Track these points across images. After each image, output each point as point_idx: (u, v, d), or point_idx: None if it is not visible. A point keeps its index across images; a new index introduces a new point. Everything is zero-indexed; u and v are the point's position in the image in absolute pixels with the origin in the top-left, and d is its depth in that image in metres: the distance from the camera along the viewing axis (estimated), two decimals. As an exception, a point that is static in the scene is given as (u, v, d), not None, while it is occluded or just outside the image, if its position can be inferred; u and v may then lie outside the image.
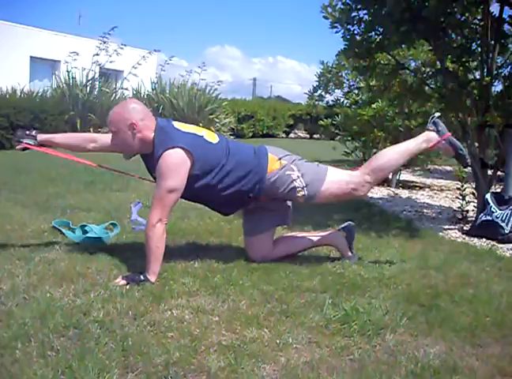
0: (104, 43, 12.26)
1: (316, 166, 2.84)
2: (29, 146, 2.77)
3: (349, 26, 4.32)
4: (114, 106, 2.70)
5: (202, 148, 2.59)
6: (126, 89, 13.05)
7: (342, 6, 4.27)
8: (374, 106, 6.38)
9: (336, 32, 4.42)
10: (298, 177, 2.70)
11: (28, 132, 2.79)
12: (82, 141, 2.91)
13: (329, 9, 4.39)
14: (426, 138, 2.81)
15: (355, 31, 4.33)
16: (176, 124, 2.68)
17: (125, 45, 13.21)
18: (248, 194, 2.70)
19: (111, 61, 12.37)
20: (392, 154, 2.81)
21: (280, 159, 2.73)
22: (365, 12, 4.22)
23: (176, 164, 2.48)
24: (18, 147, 2.78)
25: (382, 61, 4.72)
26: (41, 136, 2.79)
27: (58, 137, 2.89)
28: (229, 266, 2.70)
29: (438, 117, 2.83)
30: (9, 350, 1.71)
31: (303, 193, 2.71)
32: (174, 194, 2.49)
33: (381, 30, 4.25)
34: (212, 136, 2.72)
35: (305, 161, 2.83)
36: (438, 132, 2.80)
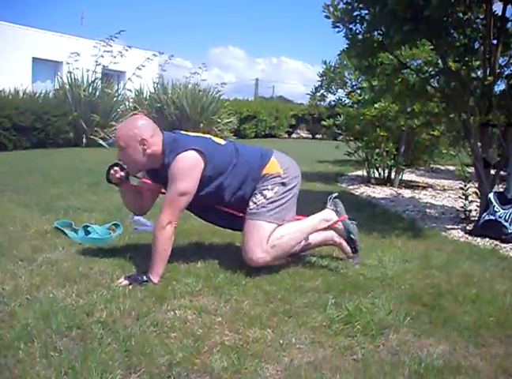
0: (110, 45, 12.25)
1: (284, 207, 2.71)
2: (142, 180, 2.77)
3: (351, 25, 4.32)
4: (122, 122, 2.73)
5: (213, 149, 2.63)
6: (130, 90, 13.07)
7: (344, 6, 4.26)
8: (376, 105, 6.37)
9: (339, 32, 4.41)
10: (265, 198, 2.67)
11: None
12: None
13: (331, 9, 4.38)
14: (325, 217, 2.82)
15: (358, 31, 4.33)
16: (183, 132, 2.75)
17: (130, 47, 13.21)
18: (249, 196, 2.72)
19: (115, 63, 12.38)
20: (293, 232, 2.72)
21: (281, 167, 2.73)
22: (367, 11, 4.21)
23: (189, 166, 2.50)
24: (121, 173, 2.66)
25: (384, 61, 4.71)
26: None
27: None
28: (232, 266, 2.69)
29: (336, 197, 2.86)
30: (12, 351, 1.71)
31: (250, 211, 2.67)
32: (185, 197, 2.50)
33: (383, 29, 4.25)
34: (219, 140, 2.78)
35: (291, 195, 2.75)
36: (336, 212, 2.83)
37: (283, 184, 2.72)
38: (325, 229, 2.85)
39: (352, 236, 2.81)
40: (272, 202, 2.67)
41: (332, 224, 2.82)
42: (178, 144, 2.55)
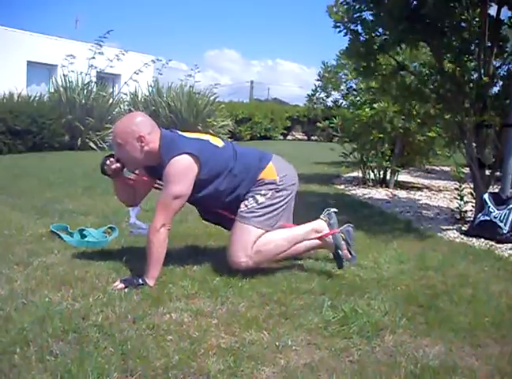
0: (100, 46, 12.24)
1: (275, 214, 2.69)
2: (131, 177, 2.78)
3: (352, 26, 4.33)
4: (120, 119, 2.71)
5: (209, 152, 2.60)
6: (125, 94, 13.04)
7: (345, 6, 4.29)
8: (375, 106, 6.37)
9: (339, 32, 4.43)
10: (256, 203, 2.65)
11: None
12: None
13: (334, 9, 4.41)
14: (316, 227, 2.78)
15: (359, 32, 4.35)
16: (180, 132, 2.73)
17: (126, 51, 13.20)
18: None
19: (111, 66, 12.37)
20: (280, 240, 2.69)
21: (277, 173, 2.71)
22: (368, 13, 4.24)
23: (183, 170, 2.48)
24: (117, 165, 2.63)
25: (382, 63, 4.71)
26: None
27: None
28: (228, 269, 2.68)
29: (335, 212, 2.80)
30: (7, 355, 1.70)
31: (240, 213, 2.66)
32: (179, 200, 2.49)
33: (380, 31, 4.27)
34: (217, 141, 2.75)
35: (285, 201, 2.73)
36: (329, 225, 2.78)
37: (277, 191, 2.69)
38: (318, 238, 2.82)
39: (339, 251, 2.72)
40: (262, 208, 2.66)
41: (322, 236, 2.78)
42: (175, 146, 2.53)
